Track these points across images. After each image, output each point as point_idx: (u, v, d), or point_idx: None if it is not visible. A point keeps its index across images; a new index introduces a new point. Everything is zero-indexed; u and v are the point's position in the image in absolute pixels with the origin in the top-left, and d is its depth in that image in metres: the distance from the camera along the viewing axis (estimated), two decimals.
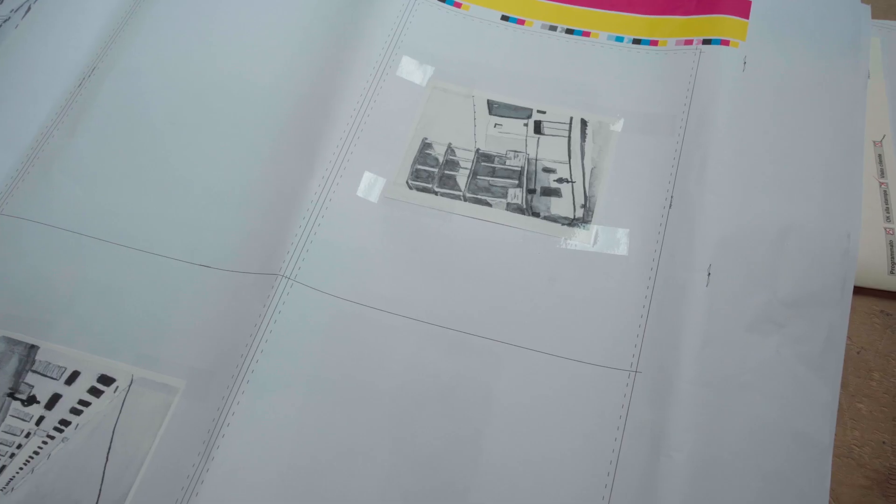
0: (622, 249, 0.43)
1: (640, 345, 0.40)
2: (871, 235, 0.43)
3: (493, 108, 0.48)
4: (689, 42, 0.49)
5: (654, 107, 0.47)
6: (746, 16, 0.49)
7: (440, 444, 0.38)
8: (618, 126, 0.47)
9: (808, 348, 0.40)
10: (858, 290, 0.42)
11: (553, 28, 0.51)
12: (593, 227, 0.44)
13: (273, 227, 0.44)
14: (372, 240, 0.44)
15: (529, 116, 0.48)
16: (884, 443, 0.39)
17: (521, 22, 0.51)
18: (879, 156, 0.46)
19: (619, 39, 0.50)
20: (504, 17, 0.52)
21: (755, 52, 0.48)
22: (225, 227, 0.45)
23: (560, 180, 0.46)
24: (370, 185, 0.46)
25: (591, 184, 0.45)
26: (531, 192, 0.45)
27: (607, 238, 0.43)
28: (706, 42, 0.48)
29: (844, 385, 0.40)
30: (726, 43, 0.48)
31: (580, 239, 0.43)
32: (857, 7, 0.50)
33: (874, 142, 0.47)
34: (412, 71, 0.49)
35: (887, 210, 0.44)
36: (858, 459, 0.38)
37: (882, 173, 0.45)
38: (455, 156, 0.47)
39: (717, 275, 0.41)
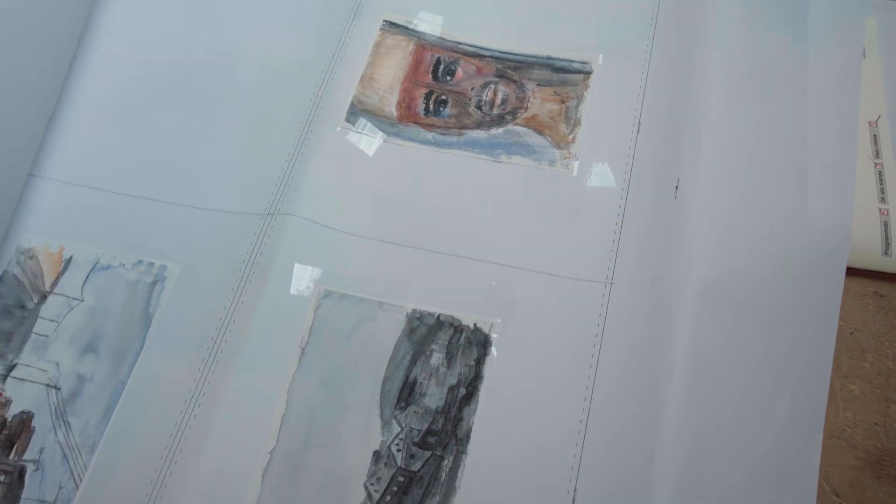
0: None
1: (613, 258, 0.41)
2: (865, 216, 0.43)
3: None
4: None
5: (624, 34, 0.48)
6: None
7: None
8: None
9: (800, 329, 0.39)
10: (852, 271, 0.42)
11: None
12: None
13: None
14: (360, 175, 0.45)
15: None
16: (876, 424, 0.38)
17: None
18: (874, 136, 0.46)
19: None
20: None
21: None
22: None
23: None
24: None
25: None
26: None
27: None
28: None
29: (837, 366, 0.40)
30: None
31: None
32: None
33: (869, 122, 0.46)
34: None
35: (882, 191, 0.44)
36: (850, 440, 0.38)
37: (877, 154, 0.45)
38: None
39: (683, 188, 0.43)
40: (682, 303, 0.40)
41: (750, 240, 0.42)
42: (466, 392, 0.39)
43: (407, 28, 0.50)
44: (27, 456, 0.38)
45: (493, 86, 0.48)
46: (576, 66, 0.48)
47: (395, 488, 0.37)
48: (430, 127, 0.46)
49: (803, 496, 0.36)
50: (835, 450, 0.38)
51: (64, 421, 0.39)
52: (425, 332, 0.40)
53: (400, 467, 0.37)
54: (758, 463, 0.37)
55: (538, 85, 0.47)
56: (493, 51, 0.49)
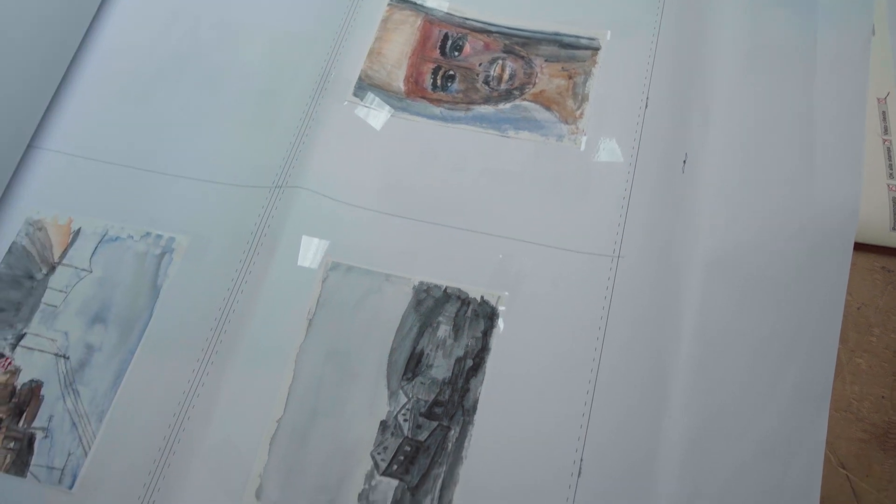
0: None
1: (621, 232, 0.41)
2: (873, 192, 0.43)
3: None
4: None
5: (632, 10, 0.48)
6: None
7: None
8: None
9: (807, 304, 0.39)
10: (860, 247, 0.42)
11: None
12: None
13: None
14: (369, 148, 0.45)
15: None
16: (883, 397, 0.38)
17: None
18: (883, 113, 0.45)
19: None
20: None
21: None
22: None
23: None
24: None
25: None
26: None
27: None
28: None
29: (844, 340, 0.40)
30: None
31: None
32: None
33: (878, 99, 0.46)
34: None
35: (890, 167, 0.44)
36: (857, 413, 0.38)
37: (886, 130, 0.45)
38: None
39: (692, 162, 0.43)
40: (689, 277, 0.40)
41: (758, 215, 0.42)
42: (473, 364, 0.39)
43: (415, 3, 0.50)
44: (36, 424, 0.38)
45: (500, 61, 0.47)
46: (583, 42, 0.48)
47: (402, 458, 0.37)
48: (437, 102, 0.46)
49: (810, 469, 0.36)
50: (841, 423, 0.38)
51: (73, 389, 0.39)
52: (432, 304, 0.41)
53: (407, 437, 0.38)
54: (764, 437, 0.37)
55: (546, 61, 0.47)
56: (501, 27, 0.49)
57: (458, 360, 0.39)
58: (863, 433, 0.38)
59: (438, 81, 0.47)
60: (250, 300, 0.40)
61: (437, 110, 0.46)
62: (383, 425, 0.38)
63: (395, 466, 0.37)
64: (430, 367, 0.39)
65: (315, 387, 0.39)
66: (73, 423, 0.38)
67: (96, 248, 0.43)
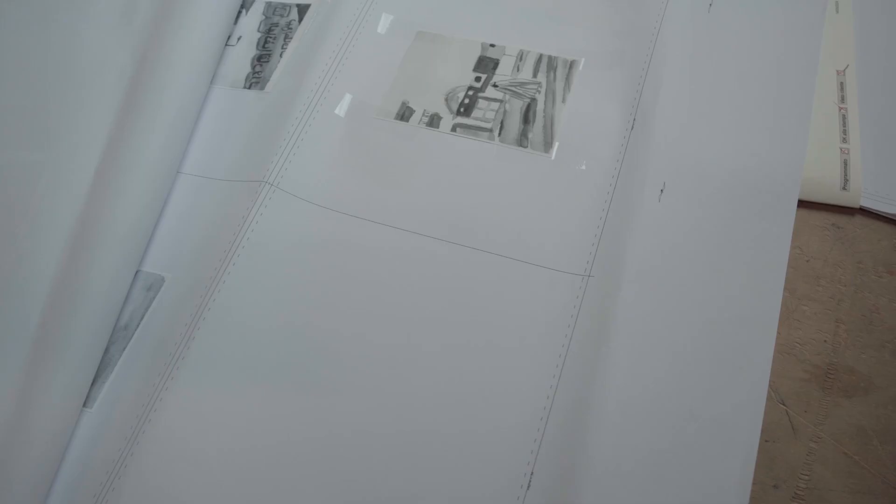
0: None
1: (594, 252, 0.42)
2: (827, 154, 0.45)
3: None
4: None
5: (622, 41, 0.49)
6: None
7: (398, 337, 0.41)
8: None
9: (752, 256, 0.42)
10: (812, 205, 0.44)
11: None
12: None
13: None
14: (344, 153, 0.47)
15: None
16: (825, 341, 0.41)
17: None
18: (841, 84, 0.48)
19: None
20: None
21: None
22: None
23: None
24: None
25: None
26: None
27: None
28: None
29: (792, 290, 0.42)
30: None
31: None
32: None
33: (837, 70, 0.48)
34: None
35: (844, 132, 0.46)
36: (800, 356, 0.40)
37: (842, 99, 0.47)
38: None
39: (669, 191, 0.43)
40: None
41: (705, 164, 0.44)
42: None
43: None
44: None
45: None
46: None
47: None
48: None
49: (752, 402, 0.38)
50: (785, 363, 0.40)
51: None
52: None
53: None
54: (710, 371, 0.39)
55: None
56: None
57: None
58: (804, 373, 0.40)
59: None
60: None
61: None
62: None
63: None
64: None
65: None
66: None
67: None
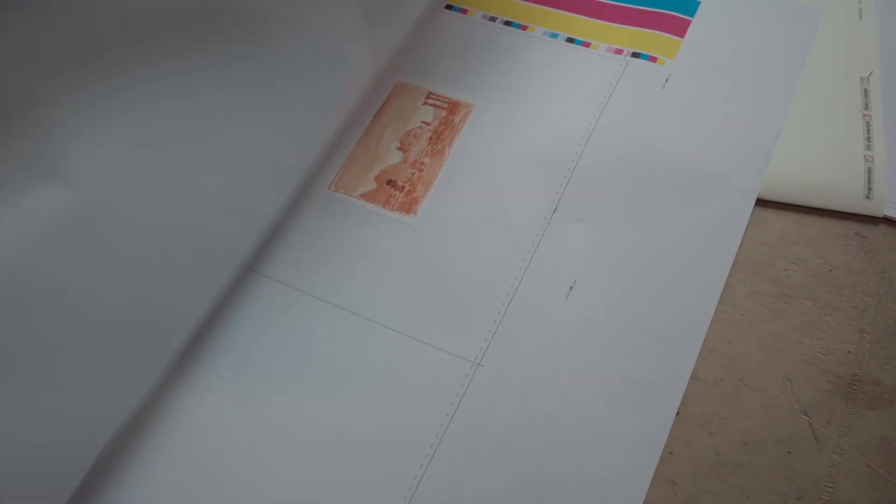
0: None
1: (489, 339, 0.41)
2: (851, 162, 0.45)
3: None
4: (619, 51, 0.49)
5: (567, 108, 0.48)
6: (682, 35, 0.50)
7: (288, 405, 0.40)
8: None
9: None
10: (836, 214, 0.44)
11: (493, 19, 0.52)
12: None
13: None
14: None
15: None
16: (848, 352, 0.40)
17: (464, 11, 0.52)
18: (865, 90, 0.47)
19: (554, 35, 0.51)
20: (448, 7, 0.53)
21: (680, 71, 0.48)
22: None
23: None
24: None
25: None
26: None
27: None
28: (635, 55, 0.49)
29: (815, 300, 0.42)
30: (654, 59, 0.49)
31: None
32: (803, 31, 0.50)
33: (861, 77, 0.48)
34: None
35: (868, 139, 0.46)
36: (822, 366, 0.40)
37: (866, 106, 0.47)
38: None
39: (578, 290, 0.42)
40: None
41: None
42: None
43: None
44: None
45: None
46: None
47: None
48: None
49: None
50: (807, 374, 0.40)
51: None
52: None
53: None
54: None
55: None
56: None
57: None
58: (827, 384, 0.39)
59: None
60: None
61: None
62: None
63: None
64: None
65: None
66: None
67: None
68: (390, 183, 0.46)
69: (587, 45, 0.50)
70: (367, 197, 0.46)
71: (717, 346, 0.41)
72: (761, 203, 0.44)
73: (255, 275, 0.43)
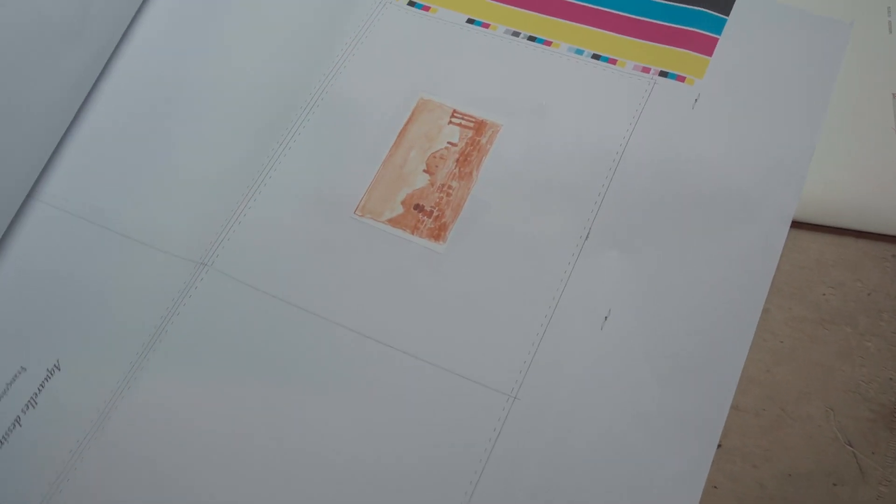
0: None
1: (525, 371, 0.40)
2: (886, 182, 0.44)
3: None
4: (646, 70, 0.48)
5: (596, 128, 0.47)
6: (710, 53, 0.49)
7: (323, 439, 0.39)
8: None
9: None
10: (872, 236, 0.43)
11: (516, 34, 0.51)
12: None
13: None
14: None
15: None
16: (891, 379, 0.40)
17: (486, 26, 0.51)
18: None
19: (580, 52, 0.50)
20: (470, 21, 0.51)
21: (710, 90, 0.47)
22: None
23: None
24: None
25: None
26: None
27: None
28: (662, 74, 0.48)
29: (854, 324, 0.41)
30: (682, 79, 0.48)
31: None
32: (835, 47, 0.49)
33: (893, 94, 0.47)
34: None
35: None
36: (865, 394, 0.39)
37: None
38: None
39: (613, 320, 0.41)
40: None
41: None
42: None
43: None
44: None
45: None
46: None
47: None
48: None
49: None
50: (850, 403, 0.39)
51: None
52: None
53: None
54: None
55: None
56: None
57: None
58: (870, 413, 0.39)
59: None
60: None
61: None
62: None
63: None
64: None
65: None
66: None
67: None
68: (418, 207, 0.45)
69: (613, 62, 0.49)
70: (395, 222, 0.45)
71: (756, 374, 0.40)
72: (796, 225, 0.44)
73: (283, 303, 0.42)
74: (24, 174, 0.45)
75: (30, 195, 0.47)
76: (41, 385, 0.41)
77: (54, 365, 0.42)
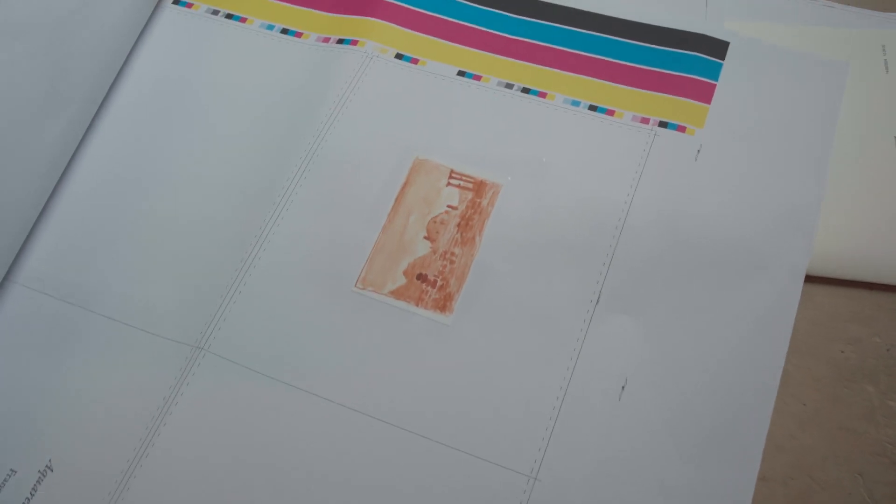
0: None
1: (544, 449, 0.39)
2: None
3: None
4: (645, 120, 0.47)
5: (599, 185, 0.45)
6: (708, 101, 0.48)
7: None
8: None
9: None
10: (888, 288, 0.43)
11: (509, 86, 0.49)
12: None
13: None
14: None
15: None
16: None
17: (478, 78, 0.50)
18: None
19: (576, 103, 0.49)
20: (461, 73, 0.50)
21: (711, 140, 0.46)
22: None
23: None
24: None
25: None
26: None
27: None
28: (662, 125, 0.47)
29: (875, 382, 0.40)
30: (682, 129, 0.47)
31: None
32: (832, 92, 0.48)
33: (895, 136, 0.47)
34: None
35: None
36: (891, 457, 0.38)
37: None
38: None
39: (630, 390, 0.40)
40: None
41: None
42: None
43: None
44: None
45: None
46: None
47: None
48: None
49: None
50: (877, 467, 0.38)
51: None
52: None
53: None
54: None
55: None
56: None
57: None
58: None
59: None
60: None
61: None
62: None
63: None
64: None
65: None
66: None
67: None
68: (421, 277, 0.43)
69: (611, 113, 0.48)
70: (398, 294, 0.43)
71: (781, 441, 0.39)
72: (807, 279, 0.43)
73: (287, 387, 0.40)
74: None
75: (6, 278, 0.44)
76: (33, 488, 0.38)
77: (46, 465, 0.39)
